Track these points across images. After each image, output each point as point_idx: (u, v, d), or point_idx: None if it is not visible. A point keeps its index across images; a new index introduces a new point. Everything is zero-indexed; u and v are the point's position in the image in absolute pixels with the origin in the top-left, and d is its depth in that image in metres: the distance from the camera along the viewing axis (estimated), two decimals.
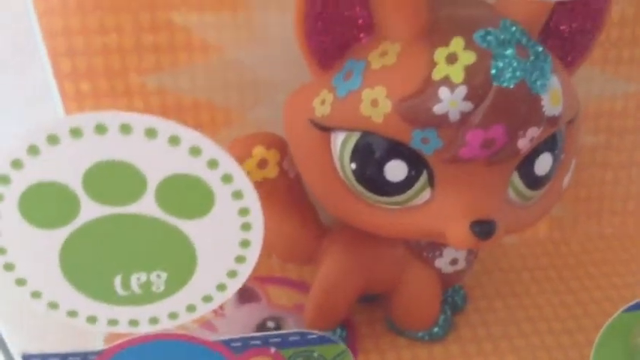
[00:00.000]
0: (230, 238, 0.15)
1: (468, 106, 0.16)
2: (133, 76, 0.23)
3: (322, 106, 0.18)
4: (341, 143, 0.18)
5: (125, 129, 0.13)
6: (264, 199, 0.15)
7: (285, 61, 0.23)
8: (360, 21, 0.18)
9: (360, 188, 0.19)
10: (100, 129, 0.13)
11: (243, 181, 0.14)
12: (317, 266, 0.22)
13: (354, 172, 0.18)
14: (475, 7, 0.18)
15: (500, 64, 0.16)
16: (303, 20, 0.18)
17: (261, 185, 0.19)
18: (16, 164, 0.13)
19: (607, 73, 0.25)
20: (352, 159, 0.18)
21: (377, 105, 0.17)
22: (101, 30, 0.22)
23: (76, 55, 0.22)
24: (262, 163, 0.20)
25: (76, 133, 0.13)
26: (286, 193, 0.21)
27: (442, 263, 0.22)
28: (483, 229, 0.18)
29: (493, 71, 0.16)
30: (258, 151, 0.20)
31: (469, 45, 0.17)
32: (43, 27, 0.21)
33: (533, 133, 0.17)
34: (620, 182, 0.27)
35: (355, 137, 0.18)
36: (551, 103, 0.17)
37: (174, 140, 0.13)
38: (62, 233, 0.14)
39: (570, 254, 0.27)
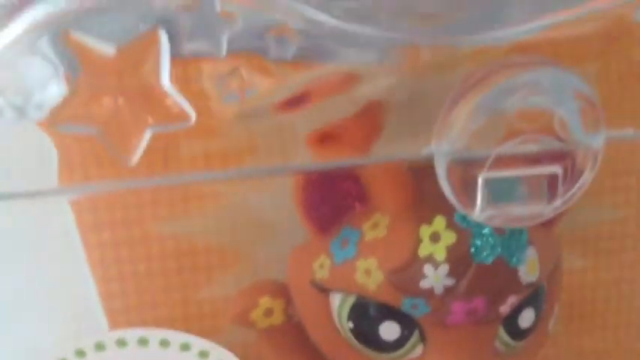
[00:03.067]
0: None
1: (450, 281, 0.18)
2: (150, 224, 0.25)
3: (321, 269, 0.20)
4: (339, 304, 0.20)
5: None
6: (271, 346, 0.17)
7: (290, 204, 0.25)
8: (354, 193, 0.20)
9: (358, 345, 0.20)
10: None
11: None
12: None
13: (352, 330, 0.20)
14: None
15: (479, 243, 0.18)
16: (301, 193, 0.20)
17: (267, 333, 0.21)
18: None
19: (593, 203, 0.27)
20: (349, 318, 0.20)
21: (370, 275, 0.19)
22: None
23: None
24: (269, 312, 0.21)
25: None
26: (293, 337, 0.22)
27: None
28: None
29: (472, 249, 0.18)
30: (265, 301, 0.21)
31: (450, 225, 0.18)
32: None
33: (513, 300, 0.19)
34: (611, 299, 0.29)
35: (352, 299, 0.20)
36: (528, 273, 0.19)
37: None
38: None
39: None
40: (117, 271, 0.24)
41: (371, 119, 0.15)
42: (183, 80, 0.13)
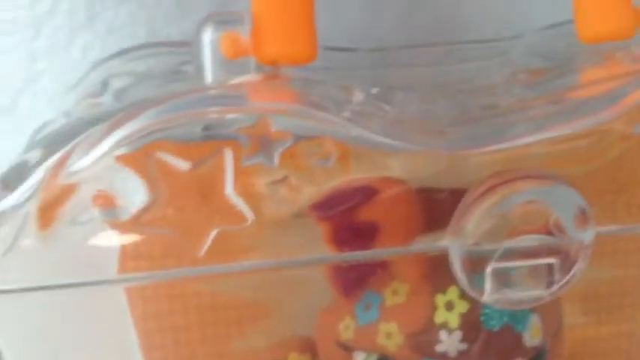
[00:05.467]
0: None
1: (463, 345, 0.20)
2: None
3: (346, 330, 0.23)
4: None
5: None
6: None
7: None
8: (378, 261, 0.23)
9: None
10: None
11: None
12: None
13: None
14: None
15: (488, 312, 0.21)
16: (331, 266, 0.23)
17: None
18: None
19: (594, 264, 0.29)
20: None
21: (391, 337, 0.21)
22: None
23: None
24: None
25: None
26: None
27: None
28: None
29: (482, 318, 0.21)
30: (293, 357, 0.24)
31: (463, 294, 0.21)
32: None
33: None
34: (611, 353, 0.31)
35: (374, 357, 0.22)
36: (532, 337, 0.21)
37: None
38: None
39: None
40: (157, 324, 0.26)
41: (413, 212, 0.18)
42: (245, 187, 0.16)
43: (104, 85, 0.22)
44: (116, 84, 0.22)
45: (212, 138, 0.16)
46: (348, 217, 0.17)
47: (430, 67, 0.22)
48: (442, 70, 0.22)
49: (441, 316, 0.20)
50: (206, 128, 0.17)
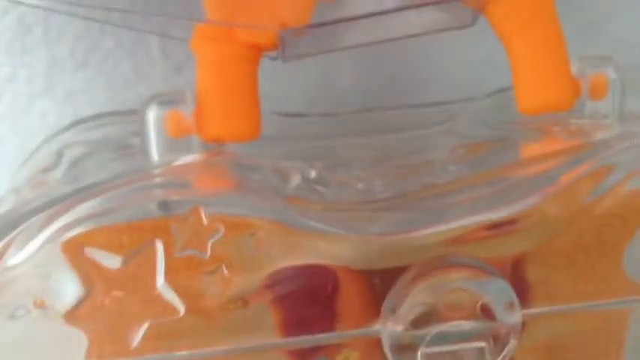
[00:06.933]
0: None
1: None
2: None
3: None
4: None
5: None
6: None
7: None
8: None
9: None
10: None
11: None
12: None
13: None
14: None
15: None
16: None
17: None
18: None
19: (556, 320, 0.29)
20: None
21: None
22: None
23: None
24: None
25: None
26: None
27: None
28: None
29: None
30: None
31: None
32: None
33: None
34: None
35: None
36: None
37: None
38: None
39: None
40: None
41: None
42: (176, 279, 0.16)
43: (58, 155, 0.23)
44: (70, 154, 0.23)
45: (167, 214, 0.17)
46: (295, 303, 0.17)
47: (378, 136, 0.23)
48: (388, 139, 0.22)
49: None
50: (161, 207, 0.17)
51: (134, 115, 0.23)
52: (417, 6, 0.20)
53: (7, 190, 0.22)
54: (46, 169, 0.22)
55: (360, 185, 0.19)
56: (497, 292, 0.18)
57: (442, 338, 0.17)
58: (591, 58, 0.22)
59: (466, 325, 0.17)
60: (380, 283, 0.18)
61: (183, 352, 0.16)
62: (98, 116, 0.24)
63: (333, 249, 0.17)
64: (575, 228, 0.19)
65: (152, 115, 0.19)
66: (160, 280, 0.16)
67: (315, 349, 0.23)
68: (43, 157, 0.23)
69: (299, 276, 0.18)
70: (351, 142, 0.23)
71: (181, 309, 0.16)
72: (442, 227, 0.17)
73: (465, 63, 0.28)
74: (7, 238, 0.16)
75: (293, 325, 0.18)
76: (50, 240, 0.16)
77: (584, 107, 0.21)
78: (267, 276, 0.17)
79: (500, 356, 0.18)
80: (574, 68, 0.21)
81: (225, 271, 0.17)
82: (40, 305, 0.16)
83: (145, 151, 0.20)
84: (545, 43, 0.21)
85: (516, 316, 0.18)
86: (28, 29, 0.25)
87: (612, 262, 0.19)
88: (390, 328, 0.18)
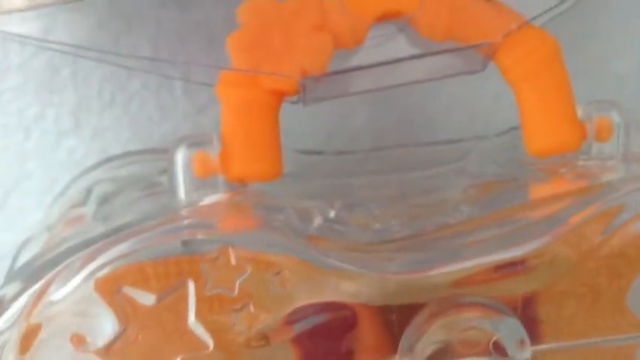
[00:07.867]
0: None
1: None
2: None
3: None
4: None
5: None
6: None
7: None
8: None
9: None
10: None
11: None
12: None
13: None
14: None
15: None
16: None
17: None
18: None
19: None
20: None
21: None
22: None
23: None
24: None
25: None
26: None
27: None
28: None
29: None
30: None
31: None
32: None
33: None
34: None
35: None
36: None
37: None
38: None
39: None
40: None
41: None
42: (207, 315, 0.17)
43: (88, 192, 0.24)
44: (99, 191, 0.24)
45: (190, 253, 0.18)
46: (315, 339, 0.18)
47: (393, 174, 0.24)
48: (403, 177, 0.23)
49: None
50: (185, 244, 0.18)
51: (160, 153, 0.24)
52: (431, 54, 0.22)
53: (40, 227, 0.23)
54: (76, 205, 0.23)
55: (377, 225, 0.20)
56: (509, 329, 0.19)
57: None
58: (596, 102, 0.23)
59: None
60: (396, 320, 0.18)
61: None
62: (126, 155, 0.25)
63: (352, 287, 0.18)
64: (584, 267, 0.20)
65: (180, 155, 0.20)
66: (192, 316, 0.17)
67: None
68: (73, 194, 0.24)
69: (319, 313, 0.19)
70: (367, 180, 0.24)
71: (210, 344, 0.17)
72: (456, 267, 0.18)
73: (475, 101, 0.29)
74: (50, 275, 0.17)
75: None
76: (88, 278, 0.17)
77: (591, 148, 0.23)
78: (288, 313, 0.18)
79: None
80: (580, 112, 0.22)
81: (252, 308, 0.18)
82: (79, 341, 0.17)
83: (172, 189, 0.21)
84: (554, 88, 0.22)
85: (527, 353, 0.19)
86: (57, 71, 0.27)
87: (619, 299, 0.20)
88: None
